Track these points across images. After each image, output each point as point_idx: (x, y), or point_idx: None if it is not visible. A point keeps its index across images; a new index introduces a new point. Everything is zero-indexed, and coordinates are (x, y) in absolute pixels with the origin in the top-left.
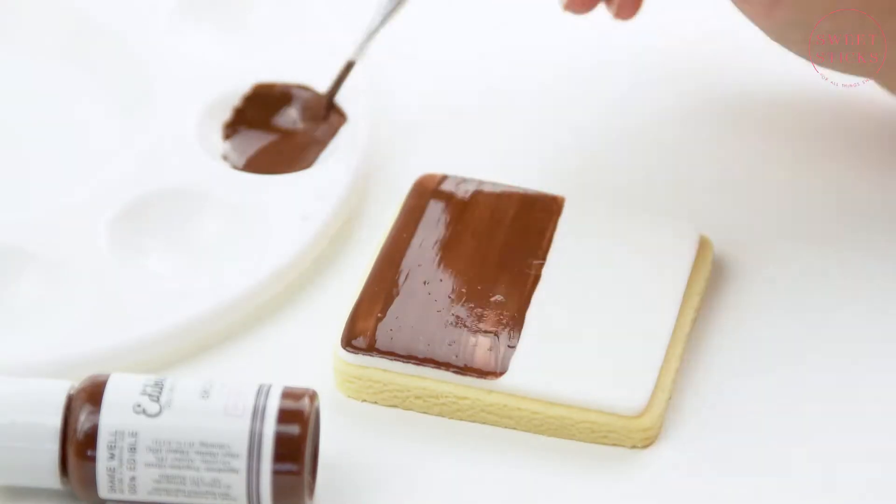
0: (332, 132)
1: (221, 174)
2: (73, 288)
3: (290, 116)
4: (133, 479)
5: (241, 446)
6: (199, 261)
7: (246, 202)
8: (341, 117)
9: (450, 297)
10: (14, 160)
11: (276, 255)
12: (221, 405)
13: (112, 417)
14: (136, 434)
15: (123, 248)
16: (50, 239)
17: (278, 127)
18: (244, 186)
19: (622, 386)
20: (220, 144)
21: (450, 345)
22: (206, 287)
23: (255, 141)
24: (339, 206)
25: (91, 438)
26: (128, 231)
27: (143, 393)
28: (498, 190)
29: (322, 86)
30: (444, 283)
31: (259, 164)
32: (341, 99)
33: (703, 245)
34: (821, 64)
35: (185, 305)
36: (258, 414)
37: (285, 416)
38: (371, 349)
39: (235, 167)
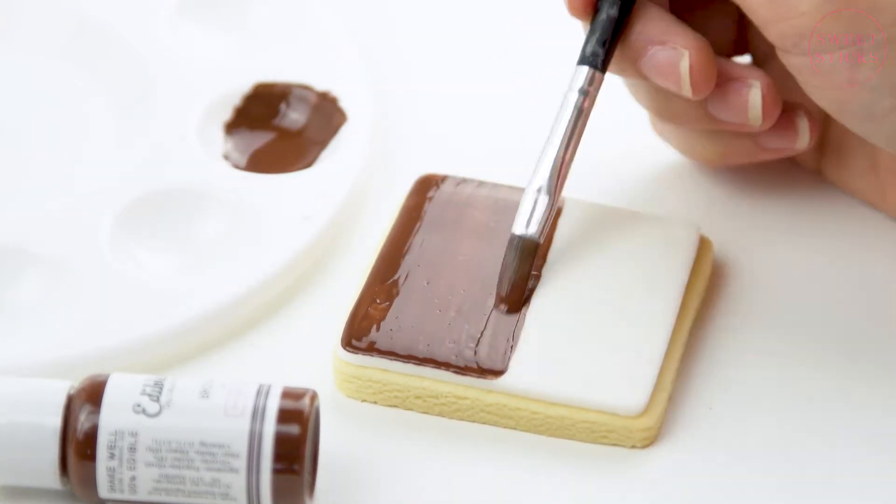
0: (333, 132)
1: (222, 174)
2: (74, 287)
3: (291, 116)
4: (133, 478)
5: (241, 446)
6: (200, 260)
7: (247, 202)
8: (342, 116)
9: (449, 297)
10: (15, 160)
11: (276, 255)
12: (221, 405)
13: (112, 417)
14: (135, 434)
15: (124, 248)
16: (50, 238)
17: (279, 126)
18: (245, 186)
19: (622, 386)
20: (220, 144)
21: (449, 345)
22: (206, 287)
23: (256, 140)
24: (340, 206)
25: (91, 438)
26: (128, 230)
27: (143, 393)
28: (498, 190)
29: (322, 85)
30: (444, 283)
31: (260, 163)
32: (341, 99)
33: (703, 245)
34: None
35: (185, 305)
36: (258, 414)
37: (285, 415)
38: (371, 349)
39: (236, 167)
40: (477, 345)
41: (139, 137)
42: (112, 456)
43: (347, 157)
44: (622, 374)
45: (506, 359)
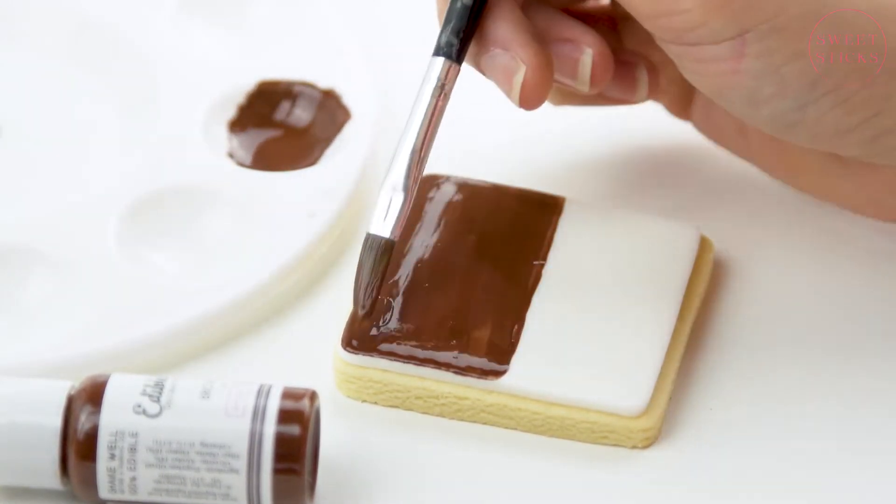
0: (337, 129)
1: (227, 172)
2: (80, 287)
3: (295, 113)
4: (133, 479)
5: (242, 447)
6: (206, 259)
7: (252, 199)
8: (346, 114)
9: (450, 297)
10: (21, 159)
11: (282, 253)
12: (222, 405)
13: (112, 418)
14: (136, 434)
15: (130, 247)
16: (57, 238)
17: (283, 124)
18: (250, 184)
19: (622, 386)
20: (225, 142)
21: (450, 345)
22: (212, 286)
23: (261, 138)
24: (346, 203)
25: (91, 439)
26: (134, 230)
27: (144, 393)
28: (498, 190)
29: (325, 82)
30: (445, 284)
31: (264, 161)
32: (345, 96)
33: (703, 245)
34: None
35: (190, 305)
36: (258, 414)
37: (285, 416)
38: (371, 349)
39: (241, 165)
40: (477, 345)
41: (144, 137)
42: (112, 456)
43: (352, 154)
44: (623, 375)
45: (506, 359)
